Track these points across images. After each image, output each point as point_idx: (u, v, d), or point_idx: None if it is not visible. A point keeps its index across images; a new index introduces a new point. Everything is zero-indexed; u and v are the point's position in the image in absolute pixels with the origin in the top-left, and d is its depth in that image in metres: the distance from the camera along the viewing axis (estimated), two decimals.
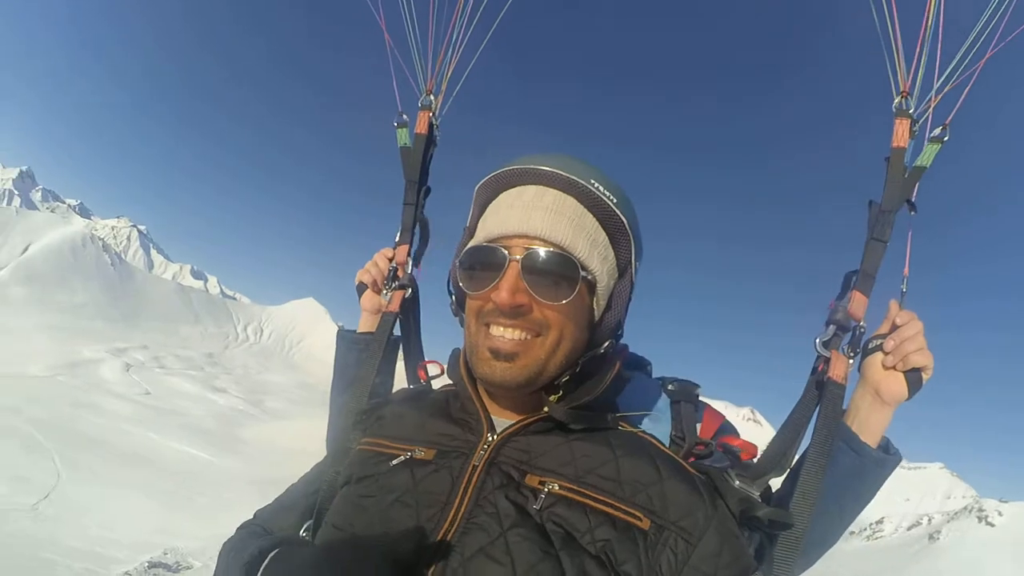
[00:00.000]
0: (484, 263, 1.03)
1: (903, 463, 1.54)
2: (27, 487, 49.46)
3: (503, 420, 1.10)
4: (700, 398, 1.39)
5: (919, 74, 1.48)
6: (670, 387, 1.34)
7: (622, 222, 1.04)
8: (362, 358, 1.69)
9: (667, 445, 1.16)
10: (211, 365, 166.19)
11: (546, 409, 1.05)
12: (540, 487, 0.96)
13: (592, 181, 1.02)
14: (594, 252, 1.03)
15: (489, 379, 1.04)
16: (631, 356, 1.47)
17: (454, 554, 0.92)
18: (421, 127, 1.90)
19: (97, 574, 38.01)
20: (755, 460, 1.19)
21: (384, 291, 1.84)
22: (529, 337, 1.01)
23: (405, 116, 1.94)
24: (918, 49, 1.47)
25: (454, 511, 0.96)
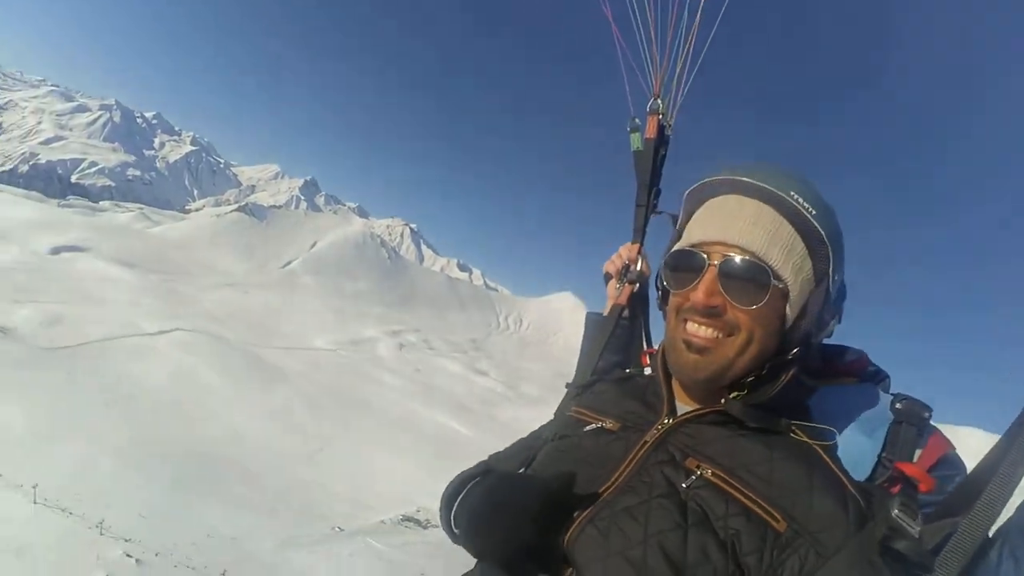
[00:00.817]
0: (686, 265, 1.13)
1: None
2: (308, 440, 57.27)
3: (684, 407, 1.20)
4: (930, 422, 1.24)
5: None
6: (897, 405, 1.24)
7: (820, 234, 1.06)
8: (592, 340, 1.87)
9: (873, 464, 1.16)
10: (474, 350, 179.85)
11: (723, 402, 1.12)
12: (695, 470, 1.05)
13: (792, 193, 1.06)
14: (789, 261, 1.08)
15: (680, 369, 1.14)
16: (869, 366, 1.44)
17: (606, 507, 1.06)
18: (650, 131, 1.95)
19: (356, 518, 41.69)
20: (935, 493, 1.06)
21: (617, 284, 1.98)
22: (721, 336, 1.09)
23: (637, 120, 1.98)
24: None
25: (618, 474, 1.10)
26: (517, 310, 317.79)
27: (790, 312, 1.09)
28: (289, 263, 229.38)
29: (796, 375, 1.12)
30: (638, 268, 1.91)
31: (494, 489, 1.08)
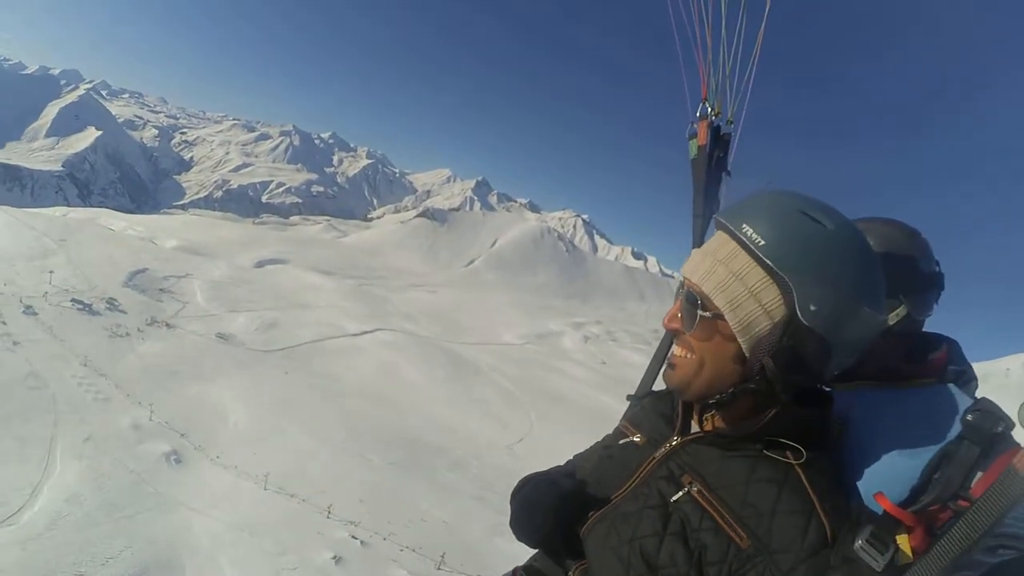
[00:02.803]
0: (678, 292, 1.24)
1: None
2: (507, 431, 57.88)
3: (696, 427, 1.31)
4: (1005, 438, 1.13)
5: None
6: (968, 417, 1.15)
7: (767, 264, 1.08)
8: (657, 352, 1.93)
9: (912, 483, 1.15)
10: (657, 340, 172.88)
11: (712, 427, 1.25)
12: (686, 485, 1.17)
13: (743, 226, 1.10)
14: (731, 290, 1.12)
15: (667, 385, 1.26)
16: (950, 364, 1.41)
17: (612, 510, 1.24)
18: (701, 138, 1.94)
19: None
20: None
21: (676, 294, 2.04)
22: (684, 354, 1.19)
23: (695, 126, 1.96)
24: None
25: (629, 483, 1.26)
26: None
27: (739, 338, 1.12)
28: (472, 262, 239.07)
29: (787, 405, 1.14)
30: None
31: (528, 492, 1.35)
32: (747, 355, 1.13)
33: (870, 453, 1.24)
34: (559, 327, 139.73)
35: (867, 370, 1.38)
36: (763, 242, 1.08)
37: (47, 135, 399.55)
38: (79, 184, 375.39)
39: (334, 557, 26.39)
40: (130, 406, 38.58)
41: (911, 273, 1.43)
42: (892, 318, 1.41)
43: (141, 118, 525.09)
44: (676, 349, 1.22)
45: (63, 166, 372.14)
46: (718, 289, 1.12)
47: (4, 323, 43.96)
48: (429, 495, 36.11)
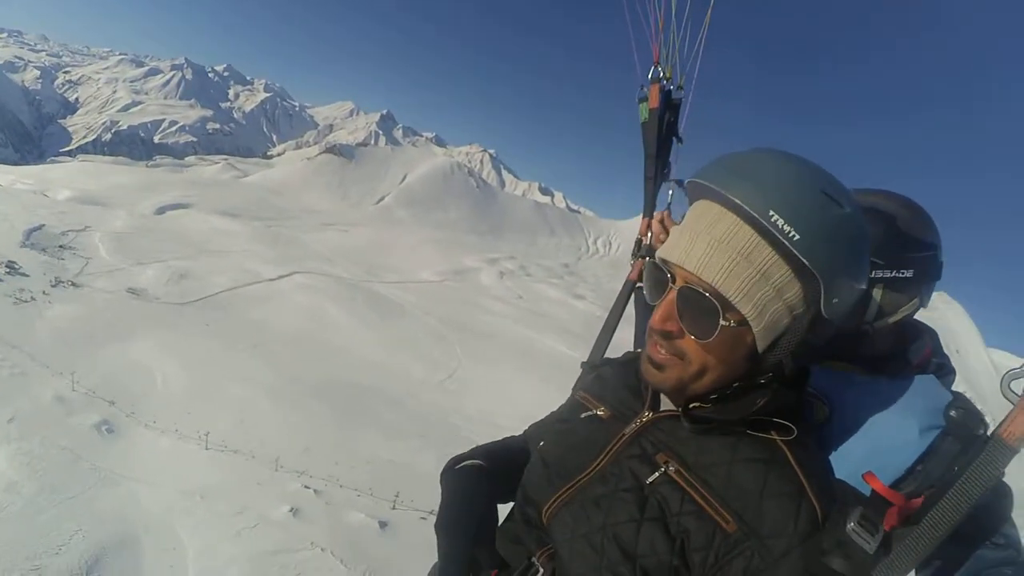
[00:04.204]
0: (654, 280, 1.08)
1: None
2: (437, 368, 58.65)
3: (669, 403, 1.18)
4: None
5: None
6: (952, 413, 1.16)
7: (801, 262, 0.94)
8: (608, 317, 1.87)
9: (908, 465, 1.15)
10: (569, 274, 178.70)
11: (691, 407, 1.10)
12: (663, 464, 1.07)
13: (771, 213, 0.93)
14: (754, 293, 0.98)
15: (645, 380, 1.13)
16: (933, 358, 1.40)
17: (579, 493, 1.14)
18: (653, 101, 1.89)
19: (495, 438, 42.04)
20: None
21: (631, 259, 2.00)
22: (679, 358, 1.05)
23: (645, 89, 1.93)
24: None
25: (596, 463, 1.15)
26: (606, 232, 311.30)
27: (759, 343, 1.02)
28: (382, 199, 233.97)
29: (777, 390, 1.07)
30: (648, 242, 1.94)
31: (451, 494, 1.39)
32: (761, 353, 1.04)
33: (856, 437, 1.21)
34: (475, 263, 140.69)
35: (863, 355, 1.36)
36: (797, 236, 0.93)
37: None
38: None
39: (291, 509, 26.18)
40: (50, 377, 35.74)
41: (930, 263, 1.35)
42: (907, 308, 1.35)
43: (21, 59, 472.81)
44: (661, 347, 1.06)
45: None
46: (743, 292, 0.98)
47: None
48: (372, 437, 36.23)
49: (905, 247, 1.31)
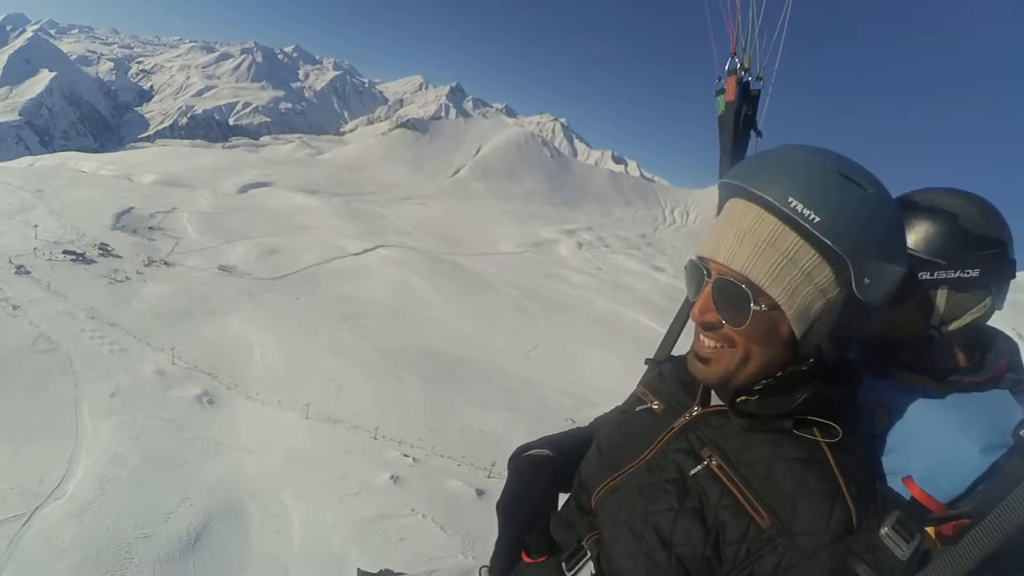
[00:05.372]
0: (691, 277, 1.14)
1: None
2: (521, 339, 58.72)
3: (718, 400, 1.22)
4: None
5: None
6: (1022, 432, 1.09)
7: (824, 243, 0.98)
8: (676, 316, 1.88)
9: (959, 487, 1.11)
10: (646, 245, 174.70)
11: (738, 401, 1.14)
12: (706, 459, 1.12)
13: (790, 199, 0.98)
14: (783, 278, 1.02)
15: (693, 375, 1.17)
16: (1008, 372, 1.32)
17: (626, 481, 1.21)
18: (729, 94, 1.81)
19: (581, 411, 41.79)
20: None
21: None
22: (722, 346, 1.09)
23: (722, 82, 1.84)
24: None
25: (644, 454, 1.21)
26: (683, 202, 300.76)
27: (794, 327, 1.04)
28: (458, 171, 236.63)
29: (819, 386, 1.08)
30: None
31: (526, 464, 1.49)
32: (799, 339, 1.06)
33: (914, 450, 1.18)
34: (552, 235, 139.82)
35: (933, 367, 1.30)
36: (817, 218, 0.96)
37: None
38: (39, 131, 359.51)
39: (392, 477, 26.80)
40: (150, 352, 38.07)
41: (999, 260, 1.27)
42: (978, 311, 1.29)
43: (94, 52, 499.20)
44: (707, 340, 1.10)
45: (20, 115, 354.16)
46: (771, 277, 1.01)
47: None
48: (465, 407, 36.70)
49: (968, 245, 1.25)
